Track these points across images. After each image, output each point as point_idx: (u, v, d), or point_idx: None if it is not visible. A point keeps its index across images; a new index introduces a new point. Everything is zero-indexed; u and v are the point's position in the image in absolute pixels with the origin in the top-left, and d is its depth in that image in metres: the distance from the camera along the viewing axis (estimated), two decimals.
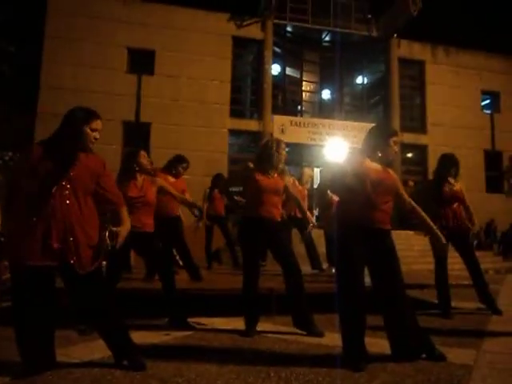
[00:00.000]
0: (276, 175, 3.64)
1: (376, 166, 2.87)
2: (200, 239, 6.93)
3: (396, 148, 2.93)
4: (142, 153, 3.86)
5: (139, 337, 3.17)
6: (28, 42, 15.77)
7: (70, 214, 2.40)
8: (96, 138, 2.54)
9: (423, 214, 3.02)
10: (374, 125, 3.13)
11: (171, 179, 4.91)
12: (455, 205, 4.49)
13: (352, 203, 2.81)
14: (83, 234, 2.44)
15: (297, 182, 6.30)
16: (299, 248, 6.40)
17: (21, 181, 2.42)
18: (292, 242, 6.26)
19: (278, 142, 3.71)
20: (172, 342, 3.27)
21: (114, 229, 2.65)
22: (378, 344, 2.92)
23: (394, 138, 2.93)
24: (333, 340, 3.09)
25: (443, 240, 3.04)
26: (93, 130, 2.51)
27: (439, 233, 3.05)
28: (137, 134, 13.58)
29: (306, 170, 6.56)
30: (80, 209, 2.45)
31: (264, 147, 3.72)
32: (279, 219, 3.70)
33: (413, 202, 3.01)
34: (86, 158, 2.53)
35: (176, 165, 4.98)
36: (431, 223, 3.07)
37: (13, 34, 17.05)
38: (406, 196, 3.00)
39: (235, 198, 4.17)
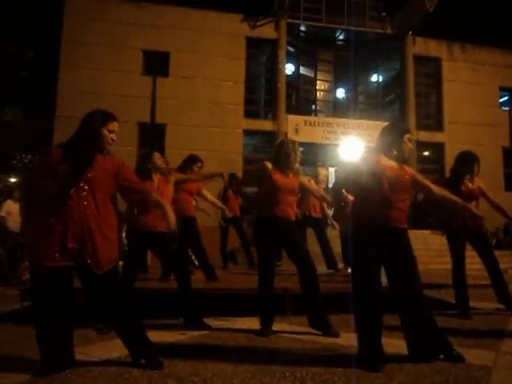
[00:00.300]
0: (292, 175, 3.64)
1: (392, 163, 2.86)
2: (216, 240, 6.98)
3: (411, 145, 2.92)
4: (156, 154, 3.91)
5: (155, 336, 3.20)
6: (45, 47, 16.09)
7: (88, 215, 2.45)
8: (113, 140, 2.60)
9: (453, 196, 3.11)
10: (387, 123, 3.12)
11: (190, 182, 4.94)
12: (473, 203, 4.42)
13: (367, 202, 2.80)
14: (100, 234, 2.48)
15: (313, 181, 6.28)
16: (314, 248, 6.38)
17: (40, 183, 2.48)
18: (307, 242, 6.25)
19: (294, 142, 3.74)
20: (188, 342, 3.29)
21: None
22: (394, 344, 2.89)
23: (408, 135, 2.92)
24: (348, 340, 3.07)
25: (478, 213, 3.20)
26: (110, 132, 2.58)
27: (472, 208, 3.09)
28: (152, 136, 13.69)
29: (321, 170, 6.54)
30: (97, 210, 2.50)
31: (280, 147, 3.72)
32: (294, 219, 3.70)
33: (442, 190, 3.06)
34: (103, 160, 2.58)
35: (191, 165, 5.02)
36: (462, 203, 3.14)
37: (31, 39, 17.42)
38: (431, 185, 2.98)
39: (246, 190, 4.22)
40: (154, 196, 2.89)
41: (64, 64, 13.25)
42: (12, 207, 7.87)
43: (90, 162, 2.51)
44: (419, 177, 2.99)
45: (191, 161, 5.05)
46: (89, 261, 2.43)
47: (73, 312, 2.57)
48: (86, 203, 2.45)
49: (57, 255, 2.38)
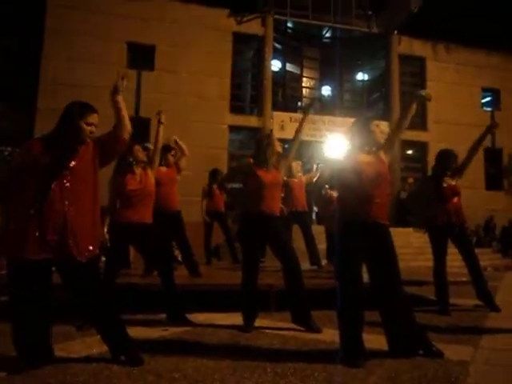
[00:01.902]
0: (274, 169, 3.64)
1: (369, 158, 2.89)
2: (200, 235, 6.94)
3: (379, 130, 2.94)
4: (137, 147, 3.87)
5: (138, 332, 3.18)
6: (28, 38, 15.73)
7: (70, 206, 2.41)
8: (92, 132, 2.56)
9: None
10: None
11: (163, 169, 4.88)
12: (455, 199, 4.50)
13: (349, 199, 2.83)
14: (83, 224, 2.46)
15: (303, 178, 6.31)
16: (299, 244, 6.40)
17: (20, 175, 2.43)
18: (292, 238, 6.27)
19: (269, 136, 3.78)
20: (170, 337, 3.27)
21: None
22: (376, 340, 2.92)
23: (374, 123, 2.97)
24: (331, 336, 3.10)
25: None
26: (88, 125, 2.53)
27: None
28: (136, 129, 13.51)
29: (293, 164, 6.41)
30: (79, 200, 2.47)
31: (257, 143, 3.78)
32: (279, 214, 3.70)
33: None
34: (83, 149, 2.55)
35: (164, 154, 4.96)
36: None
37: (14, 30, 17.01)
38: (388, 137, 3.03)
39: (228, 186, 4.14)
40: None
41: (46, 55, 12.96)
42: None
43: (72, 155, 2.47)
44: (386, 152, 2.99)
45: (164, 150, 4.99)
46: (70, 250, 2.39)
47: (51, 307, 2.53)
48: (67, 193, 2.42)
49: (37, 248, 2.35)
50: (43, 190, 2.37)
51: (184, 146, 5.09)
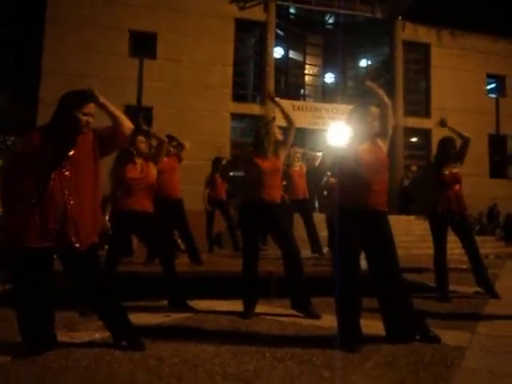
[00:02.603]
0: (272, 156, 3.65)
1: (367, 145, 2.89)
2: (202, 223, 6.98)
3: (371, 118, 2.91)
4: (140, 138, 3.86)
5: (140, 318, 3.23)
6: (31, 28, 15.64)
7: (70, 195, 2.44)
8: (89, 122, 2.54)
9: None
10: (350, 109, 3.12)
11: (165, 159, 4.89)
12: (457, 187, 4.50)
13: (349, 186, 2.84)
14: (83, 213, 2.49)
15: (304, 167, 6.34)
16: (300, 232, 6.43)
17: (22, 165, 2.45)
18: (293, 226, 6.29)
19: (267, 123, 3.76)
20: (171, 323, 3.33)
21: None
22: (374, 326, 2.95)
23: (371, 112, 2.94)
24: (329, 322, 3.13)
25: None
26: (85, 115, 2.51)
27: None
28: (138, 118, 13.53)
29: (292, 150, 6.40)
30: (80, 189, 2.49)
31: (256, 132, 3.78)
32: (279, 201, 3.72)
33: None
34: (82, 138, 2.55)
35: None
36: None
37: (17, 20, 16.92)
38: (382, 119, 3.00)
39: (229, 175, 4.15)
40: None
41: (48, 45, 12.92)
42: None
43: (71, 145, 2.49)
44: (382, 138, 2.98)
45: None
46: (71, 239, 2.42)
47: (53, 294, 2.57)
48: (68, 183, 2.45)
49: (39, 236, 2.38)
50: (44, 179, 2.40)
51: (183, 142, 5.10)
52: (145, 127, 3.86)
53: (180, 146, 5.11)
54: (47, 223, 2.39)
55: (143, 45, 13.81)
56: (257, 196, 3.58)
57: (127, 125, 2.63)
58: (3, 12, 15.84)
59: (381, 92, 3.00)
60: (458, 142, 4.57)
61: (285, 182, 5.90)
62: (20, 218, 2.40)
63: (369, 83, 3.02)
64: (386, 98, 2.98)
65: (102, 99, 2.54)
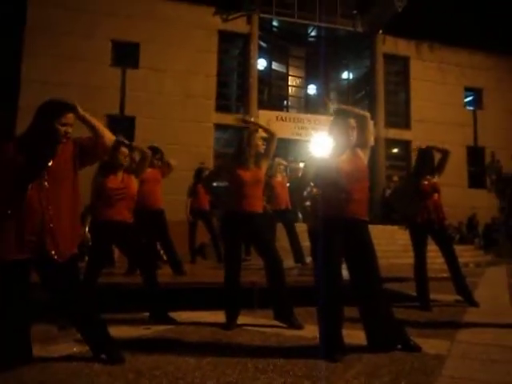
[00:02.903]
0: (253, 167, 3.66)
1: (346, 155, 2.92)
2: (185, 234, 6.93)
3: (350, 130, 2.92)
4: (122, 149, 3.79)
5: (120, 331, 3.17)
6: (8, 35, 15.45)
7: (48, 205, 2.39)
8: (67, 132, 2.47)
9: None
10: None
11: (148, 170, 4.87)
12: (435, 196, 4.58)
13: (330, 196, 2.87)
14: (61, 223, 2.44)
15: (286, 178, 6.39)
16: (283, 242, 6.45)
17: None
18: (276, 236, 6.30)
19: (250, 135, 3.73)
20: (152, 336, 3.27)
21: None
22: (355, 335, 2.97)
23: (350, 124, 2.92)
24: (312, 332, 3.13)
25: None
26: (63, 125, 2.45)
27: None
28: (121, 128, 13.44)
29: (275, 161, 6.45)
30: (58, 200, 2.44)
31: (238, 142, 3.79)
32: (261, 212, 3.72)
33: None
34: (62, 147, 2.50)
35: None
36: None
37: None
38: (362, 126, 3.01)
39: (213, 186, 4.14)
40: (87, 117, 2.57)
41: (27, 53, 12.76)
42: None
43: (51, 154, 2.44)
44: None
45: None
46: (49, 251, 2.37)
47: (30, 307, 2.51)
48: (46, 193, 2.40)
49: (14, 248, 2.32)
50: (20, 190, 2.34)
51: (169, 161, 5.09)
52: (125, 141, 3.80)
53: (167, 166, 5.08)
54: (24, 235, 2.33)
55: (126, 54, 13.80)
56: (238, 207, 3.58)
57: (108, 136, 2.59)
58: None
59: (354, 109, 3.04)
60: (437, 155, 4.66)
61: (268, 193, 5.93)
62: None
63: (339, 107, 3.05)
64: (361, 112, 3.02)
65: (81, 111, 2.49)
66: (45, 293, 2.63)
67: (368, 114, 3.04)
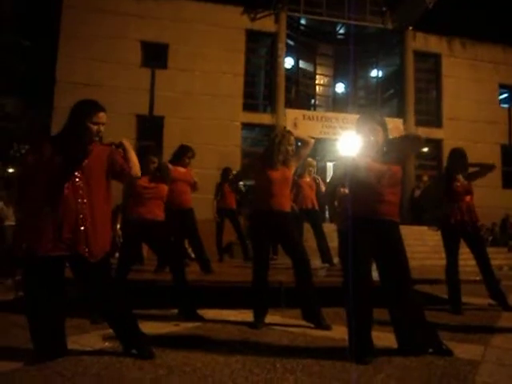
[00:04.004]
0: (282, 167, 3.64)
1: (379, 157, 2.88)
2: (212, 233, 7.00)
3: (371, 134, 2.87)
4: (151, 158, 3.87)
5: (150, 327, 3.23)
6: (44, 38, 15.99)
7: (83, 204, 2.46)
8: (99, 131, 2.56)
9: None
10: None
11: (181, 169, 4.95)
12: (468, 198, 4.46)
13: (360, 196, 2.83)
14: (94, 223, 2.50)
15: (321, 181, 6.30)
16: (311, 242, 6.41)
17: (33, 175, 2.47)
18: (303, 236, 6.27)
19: (284, 135, 3.69)
20: (181, 333, 3.32)
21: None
22: (385, 338, 2.92)
23: (369, 126, 2.88)
24: (340, 333, 3.10)
25: None
26: (95, 124, 2.54)
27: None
28: (150, 128, 13.68)
29: (306, 161, 6.36)
30: (92, 199, 2.51)
31: (269, 142, 3.78)
32: (289, 210, 3.72)
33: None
34: (96, 148, 2.58)
35: (182, 156, 5.01)
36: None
37: (28, 28, 17.29)
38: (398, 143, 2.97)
39: (239, 185, 4.16)
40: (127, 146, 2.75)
41: (62, 55, 13.16)
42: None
43: (83, 154, 2.50)
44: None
45: (182, 152, 5.03)
46: (82, 250, 2.44)
47: (65, 302, 2.59)
48: (81, 192, 2.47)
49: (51, 245, 2.40)
50: (57, 189, 2.42)
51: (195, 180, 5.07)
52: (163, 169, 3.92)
53: (194, 185, 5.11)
54: (60, 232, 2.41)
55: (155, 55, 14.01)
56: (266, 205, 3.58)
57: (135, 171, 2.71)
58: (14, 20, 16.20)
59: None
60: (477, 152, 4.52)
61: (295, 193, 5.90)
62: (33, 226, 2.42)
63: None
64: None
65: (127, 145, 2.67)
66: (78, 288, 2.71)
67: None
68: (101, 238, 2.54)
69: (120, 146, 2.70)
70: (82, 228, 2.45)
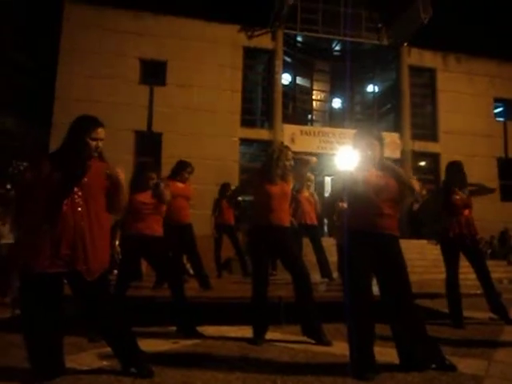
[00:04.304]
0: (281, 182, 3.65)
1: (376, 171, 2.89)
2: (211, 248, 6.96)
3: (369, 148, 2.88)
4: (150, 175, 3.86)
5: (148, 344, 3.19)
6: (43, 55, 16.15)
7: (81, 221, 2.44)
8: (98, 147, 2.55)
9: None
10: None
11: (180, 185, 4.96)
12: (467, 211, 4.46)
13: (359, 210, 2.83)
14: (93, 241, 2.47)
15: (315, 195, 6.32)
16: (310, 257, 6.38)
17: (31, 191, 2.46)
18: (303, 250, 6.25)
19: (281, 151, 3.71)
20: (180, 350, 3.28)
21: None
22: (387, 353, 2.89)
23: (366, 141, 2.90)
24: (341, 349, 3.07)
25: None
26: (93, 140, 2.52)
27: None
28: (149, 144, 13.74)
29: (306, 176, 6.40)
30: (90, 216, 2.49)
31: (267, 157, 3.79)
32: (288, 225, 3.71)
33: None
34: (95, 164, 2.57)
35: (181, 171, 5.03)
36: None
37: (28, 46, 17.49)
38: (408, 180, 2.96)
39: (238, 201, 4.17)
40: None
41: (61, 72, 13.29)
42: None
43: (83, 170, 2.50)
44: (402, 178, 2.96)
45: (181, 167, 5.05)
46: (81, 267, 2.42)
47: (63, 319, 2.56)
48: (79, 209, 2.45)
49: (48, 261, 2.37)
50: (56, 206, 2.41)
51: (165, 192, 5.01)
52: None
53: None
54: (58, 249, 2.39)
55: (153, 72, 14.17)
56: (265, 220, 3.57)
57: (120, 207, 2.71)
58: (17, 40, 16.40)
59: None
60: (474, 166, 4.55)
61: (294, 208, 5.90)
62: (32, 243, 2.40)
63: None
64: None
65: (122, 179, 2.62)
66: (76, 305, 2.67)
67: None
68: (99, 255, 2.51)
69: (113, 175, 2.62)
70: (81, 245, 2.43)
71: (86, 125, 2.54)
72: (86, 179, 2.50)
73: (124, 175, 2.64)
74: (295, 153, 3.86)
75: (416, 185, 2.96)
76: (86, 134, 2.51)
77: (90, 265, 2.44)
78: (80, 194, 2.47)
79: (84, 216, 2.46)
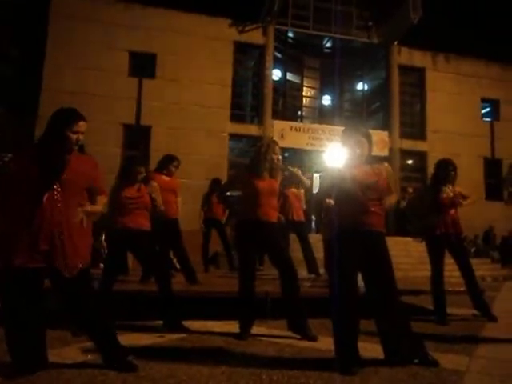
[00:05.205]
0: (269, 177, 3.65)
1: (365, 167, 2.90)
2: (198, 243, 6.95)
3: (357, 146, 2.91)
4: (138, 169, 3.85)
5: (134, 338, 3.18)
6: (30, 46, 15.85)
7: (60, 217, 2.39)
8: (78, 140, 2.48)
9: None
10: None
11: (165, 178, 4.94)
12: (452, 211, 4.51)
13: (346, 207, 2.84)
14: (71, 237, 2.43)
15: (302, 193, 6.34)
16: (297, 253, 6.41)
17: (12, 184, 2.40)
18: (290, 246, 6.27)
19: (269, 145, 3.70)
20: (166, 344, 3.27)
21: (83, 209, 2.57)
22: (372, 348, 2.91)
23: (354, 138, 2.91)
24: (326, 344, 3.09)
25: None
26: (74, 133, 2.45)
27: None
28: (137, 137, 13.63)
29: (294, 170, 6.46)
30: (70, 211, 2.44)
31: (255, 152, 3.77)
32: (276, 221, 3.71)
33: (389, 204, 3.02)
34: (77, 160, 2.51)
35: (167, 164, 5.01)
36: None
37: (15, 36, 17.15)
38: (390, 195, 3.00)
39: (227, 196, 4.17)
40: (102, 198, 2.77)
41: (49, 63, 13.08)
42: None
43: (62, 165, 2.42)
44: (391, 182, 3.00)
45: (167, 160, 5.03)
46: (58, 264, 2.37)
47: (44, 313, 2.52)
48: (59, 205, 2.40)
49: (27, 256, 2.32)
50: (34, 200, 2.35)
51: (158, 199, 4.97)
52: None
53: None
54: (36, 244, 2.34)
55: (143, 65, 14.03)
56: (253, 215, 3.57)
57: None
58: (1, 29, 16.07)
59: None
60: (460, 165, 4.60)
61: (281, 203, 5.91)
62: (10, 237, 2.34)
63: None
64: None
65: (89, 209, 2.59)
66: (58, 299, 2.64)
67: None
68: (79, 252, 2.46)
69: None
70: (59, 242, 2.37)
71: (66, 118, 2.46)
72: (65, 175, 2.42)
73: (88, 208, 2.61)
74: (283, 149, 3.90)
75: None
76: (66, 127, 2.43)
77: (68, 261, 2.40)
78: (59, 189, 2.41)
79: (63, 212, 2.40)
